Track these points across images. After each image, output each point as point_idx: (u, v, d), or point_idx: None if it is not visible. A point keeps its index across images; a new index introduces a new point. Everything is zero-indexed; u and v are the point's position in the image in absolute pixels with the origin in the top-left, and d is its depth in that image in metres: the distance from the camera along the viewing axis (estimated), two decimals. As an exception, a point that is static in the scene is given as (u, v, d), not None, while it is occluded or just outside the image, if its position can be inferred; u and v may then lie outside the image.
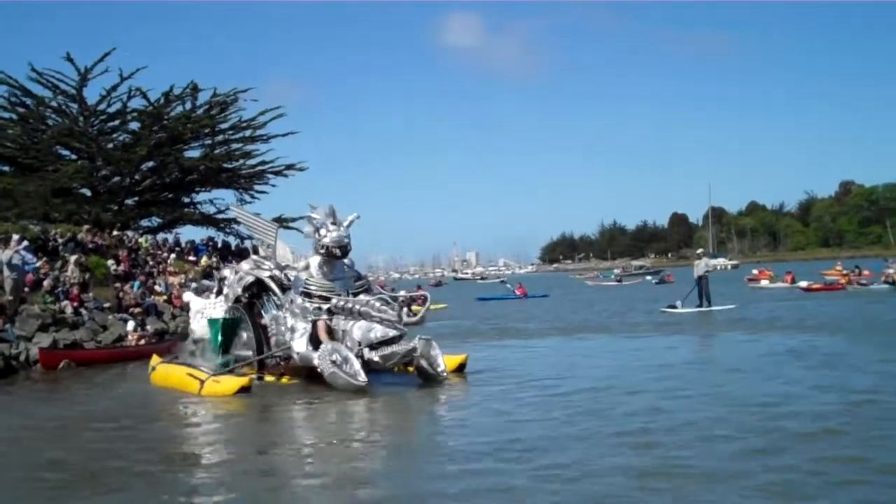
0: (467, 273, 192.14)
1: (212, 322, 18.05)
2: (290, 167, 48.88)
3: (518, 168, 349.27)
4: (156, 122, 45.29)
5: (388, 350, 15.57)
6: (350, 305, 16.18)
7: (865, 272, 50.27)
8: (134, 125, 45.86)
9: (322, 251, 16.90)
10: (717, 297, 35.57)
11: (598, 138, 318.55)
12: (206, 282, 22.05)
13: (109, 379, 19.61)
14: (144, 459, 10.36)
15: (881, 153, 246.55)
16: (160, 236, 43.91)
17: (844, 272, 50.74)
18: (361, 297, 16.63)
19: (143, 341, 24.52)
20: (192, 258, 39.06)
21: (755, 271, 63.31)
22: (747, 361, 16.87)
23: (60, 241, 30.09)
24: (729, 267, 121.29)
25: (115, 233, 36.71)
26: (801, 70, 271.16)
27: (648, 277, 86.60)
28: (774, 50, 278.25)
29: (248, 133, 48.24)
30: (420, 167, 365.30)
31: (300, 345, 16.39)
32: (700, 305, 32.09)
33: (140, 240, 38.26)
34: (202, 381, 16.16)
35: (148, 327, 25.90)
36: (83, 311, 25.26)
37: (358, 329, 15.82)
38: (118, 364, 22.02)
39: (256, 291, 17.80)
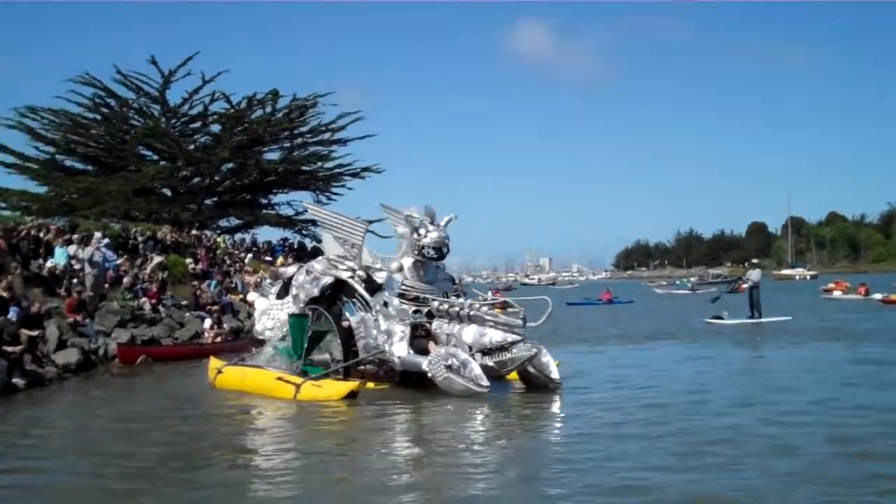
0: (533, 279, 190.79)
1: (295, 322, 16.71)
2: (366, 169, 49.41)
3: (595, 174, 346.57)
4: (237, 124, 46.03)
5: (505, 356, 14.96)
6: (456, 309, 15.55)
7: None
8: (215, 127, 46.76)
9: (418, 252, 16.21)
10: (785, 307, 35.64)
11: (676, 145, 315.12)
12: (267, 282, 20.92)
13: (187, 375, 19.53)
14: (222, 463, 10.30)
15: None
16: (237, 236, 44.56)
17: None
18: (463, 300, 16.05)
19: (219, 339, 24.72)
20: (268, 258, 39.39)
21: (832, 284, 61.84)
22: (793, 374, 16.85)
23: (140, 239, 30.57)
24: (808, 277, 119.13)
25: (193, 232, 37.21)
26: (883, 78, 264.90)
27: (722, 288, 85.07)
28: (854, 56, 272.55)
29: (326, 136, 48.79)
30: (496, 172, 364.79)
31: (401, 349, 15.47)
32: (752, 316, 31.06)
33: (218, 239, 38.75)
34: (297, 386, 15.05)
35: (224, 325, 26.15)
36: (161, 309, 25.55)
37: (469, 333, 15.20)
38: (194, 360, 22.20)
39: (333, 293, 16.73)
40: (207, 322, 25.55)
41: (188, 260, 31.43)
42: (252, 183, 48.45)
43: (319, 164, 49.25)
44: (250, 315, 28.13)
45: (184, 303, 27.21)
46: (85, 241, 25.35)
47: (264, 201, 49.88)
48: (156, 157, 46.03)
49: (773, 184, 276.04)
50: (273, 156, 48.37)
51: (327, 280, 16.70)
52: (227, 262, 35.22)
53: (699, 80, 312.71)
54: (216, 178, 47.17)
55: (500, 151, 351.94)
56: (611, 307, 52.61)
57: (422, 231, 16.14)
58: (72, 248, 24.82)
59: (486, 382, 14.31)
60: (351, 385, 14.80)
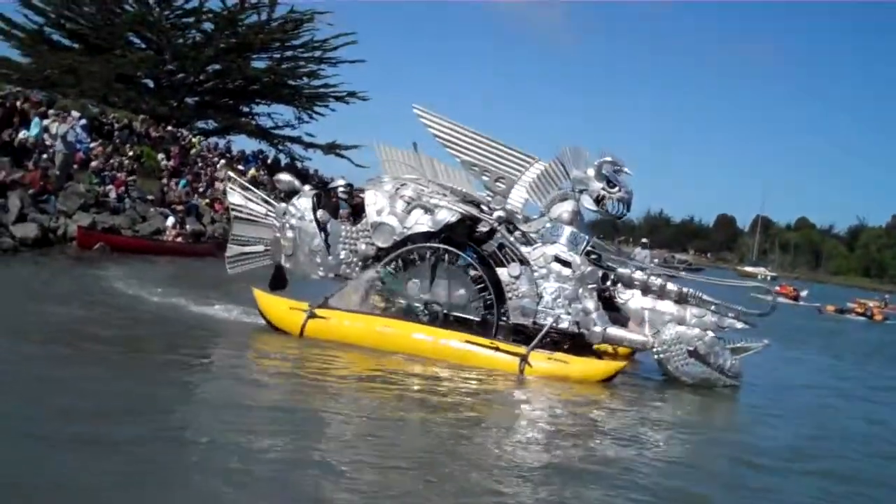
0: None
1: None
2: (352, 94, 48.96)
3: (575, 136, 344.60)
4: (229, 26, 45.34)
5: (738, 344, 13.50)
6: (661, 283, 13.73)
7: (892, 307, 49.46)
8: (207, 25, 45.96)
9: (602, 207, 13.75)
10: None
11: (652, 125, 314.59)
12: (288, 178, 15.18)
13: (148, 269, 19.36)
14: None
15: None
16: (213, 140, 44.08)
17: (867, 304, 49.63)
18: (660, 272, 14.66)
19: (179, 238, 24.64)
20: (240, 167, 39.05)
21: (777, 287, 62.76)
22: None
23: (116, 126, 30.22)
24: (768, 277, 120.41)
25: (169, 128, 36.82)
26: (873, 98, 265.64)
27: (683, 273, 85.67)
28: (844, 74, 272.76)
29: (317, 54, 48.23)
30: (475, 115, 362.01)
31: (602, 320, 13.10)
32: None
33: (193, 139, 38.38)
34: (523, 358, 12.31)
35: (187, 227, 26.01)
36: (126, 199, 25.39)
37: (698, 317, 13.45)
38: (151, 256, 22.10)
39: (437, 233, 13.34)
40: (171, 220, 25.44)
41: (160, 155, 31.10)
42: (235, 88, 47.92)
43: (306, 80, 48.76)
44: (214, 220, 28.12)
45: (150, 197, 27.00)
46: (61, 118, 24.97)
47: (245, 109, 49.40)
48: (143, 46, 45.22)
49: (748, 181, 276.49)
50: (261, 65, 47.86)
51: (448, 216, 13.21)
52: (200, 164, 34.89)
53: (695, 65, 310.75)
54: (200, 77, 46.52)
55: (477, 98, 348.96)
56: None
57: (612, 183, 13.71)
58: (47, 122, 24.46)
59: (740, 375, 13.27)
60: (617, 365, 12.84)
